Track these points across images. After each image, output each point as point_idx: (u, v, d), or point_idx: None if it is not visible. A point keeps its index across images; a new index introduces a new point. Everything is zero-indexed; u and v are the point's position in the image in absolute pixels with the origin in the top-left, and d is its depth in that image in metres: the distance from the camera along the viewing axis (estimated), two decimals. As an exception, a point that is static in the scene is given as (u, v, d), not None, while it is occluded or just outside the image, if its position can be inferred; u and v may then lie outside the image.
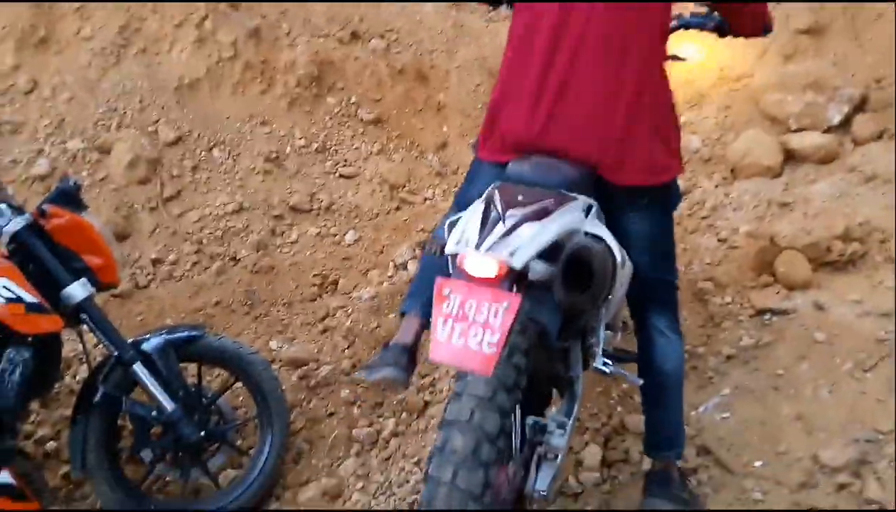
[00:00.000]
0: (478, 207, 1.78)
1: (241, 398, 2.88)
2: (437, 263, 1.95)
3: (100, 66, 4.09)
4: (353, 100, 4.49)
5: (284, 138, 4.24)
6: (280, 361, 3.08)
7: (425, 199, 4.25)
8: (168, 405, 2.42)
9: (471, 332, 1.59)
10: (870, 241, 3.30)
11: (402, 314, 2.20)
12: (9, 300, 2.21)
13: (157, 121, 4.02)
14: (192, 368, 2.65)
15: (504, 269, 1.63)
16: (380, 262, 3.77)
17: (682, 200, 3.80)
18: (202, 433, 2.50)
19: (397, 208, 4.20)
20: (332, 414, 2.94)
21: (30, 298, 2.25)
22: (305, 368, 3.07)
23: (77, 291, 2.37)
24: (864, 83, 4.20)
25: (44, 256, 2.35)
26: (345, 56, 4.58)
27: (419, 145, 4.53)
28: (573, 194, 1.89)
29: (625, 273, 1.99)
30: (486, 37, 4.96)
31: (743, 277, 3.33)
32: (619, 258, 1.86)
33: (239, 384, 2.72)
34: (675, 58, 2.38)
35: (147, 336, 2.54)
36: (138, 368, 2.41)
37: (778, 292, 3.20)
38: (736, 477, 2.46)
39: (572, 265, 1.68)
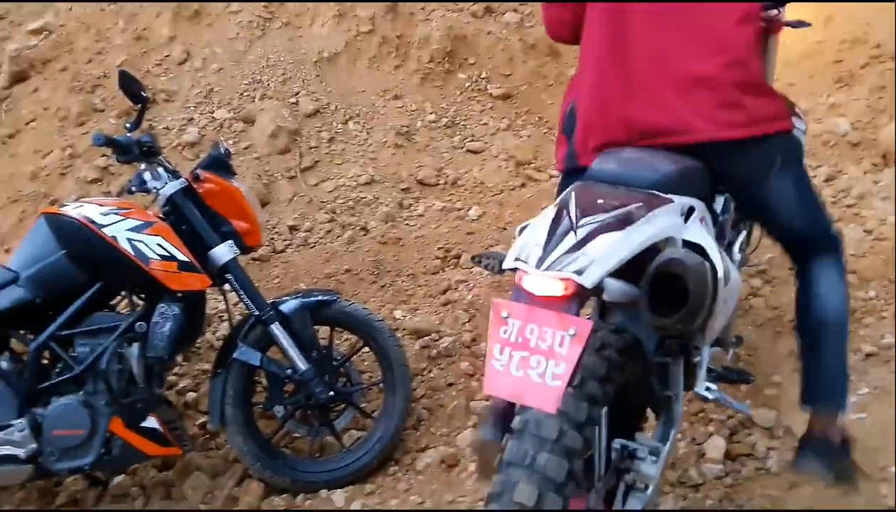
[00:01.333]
0: (548, 213, 1.52)
1: (365, 363, 2.99)
2: None
3: (246, 38, 4.31)
4: (483, 75, 4.51)
5: (415, 113, 4.32)
6: (404, 329, 3.17)
7: (550, 177, 4.22)
8: (302, 364, 2.56)
9: (532, 361, 1.36)
10: None
11: None
12: (163, 258, 2.39)
13: (298, 93, 4.20)
14: (323, 331, 2.77)
15: (571, 288, 1.38)
16: (502, 238, 3.78)
17: (828, 187, 3.62)
18: (331, 393, 2.62)
19: (522, 185, 4.19)
20: (451, 384, 3.00)
21: (182, 256, 2.42)
22: (427, 338, 3.15)
23: (224, 252, 2.53)
24: None
25: (195, 219, 2.52)
26: (478, 31, 4.60)
27: (547, 122, 4.49)
28: (669, 195, 1.63)
29: (731, 287, 1.71)
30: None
31: (889, 271, 3.12)
32: (721, 271, 1.58)
33: (366, 349, 2.83)
34: (798, 24, 2.22)
35: (285, 298, 2.67)
36: (276, 327, 2.55)
37: (930, 293, 2.99)
38: (871, 482, 2.33)
39: (662, 282, 1.45)
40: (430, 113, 4.35)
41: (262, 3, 4.38)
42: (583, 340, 1.35)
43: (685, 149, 1.80)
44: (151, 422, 2.43)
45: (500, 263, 1.53)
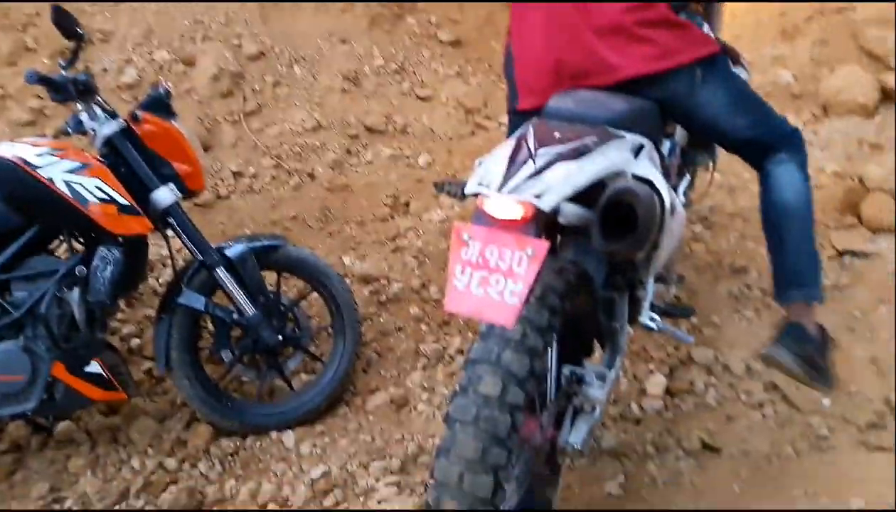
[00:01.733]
0: (508, 145, 1.60)
1: (314, 309, 2.98)
2: None
3: (186, -23, 4.15)
4: (433, 20, 4.45)
5: (363, 57, 4.25)
6: (353, 275, 3.17)
7: (500, 124, 4.22)
8: (249, 309, 2.53)
9: (491, 280, 1.43)
10: (967, 187, 3.14)
11: None
12: (102, 200, 2.32)
13: (241, 35, 4.08)
14: (270, 275, 2.75)
15: (530, 211, 1.45)
16: (452, 185, 3.78)
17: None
18: (280, 338, 2.61)
19: (472, 133, 4.19)
20: (400, 329, 3.02)
21: (122, 199, 2.35)
22: (376, 283, 3.15)
23: (165, 195, 2.47)
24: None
25: (134, 161, 2.44)
26: (427, -26, 4.52)
27: (497, 70, 4.47)
28: (621, 132, 1.73)
29: (676, 221, 1.84)
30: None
31: (826, 218, 3.23)
32: (668, 203, 1.68)
33: (314, 295, 2.81)
34: None
35: (230, 243, 2.63)
36: (221, 272, 2.51)
37: (861, 234, 3.10)
38: (803, 414, 2.45)
39: (613, 210, 1.53)
40: (379, 58, 4.28)
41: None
42: (539, 260, 1.42)
43: (615, 88, 1.92)
44: (94, 367, 2.38)
45: (462, 189, 1.59)
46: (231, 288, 2.52)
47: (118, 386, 2.43)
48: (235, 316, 2.56)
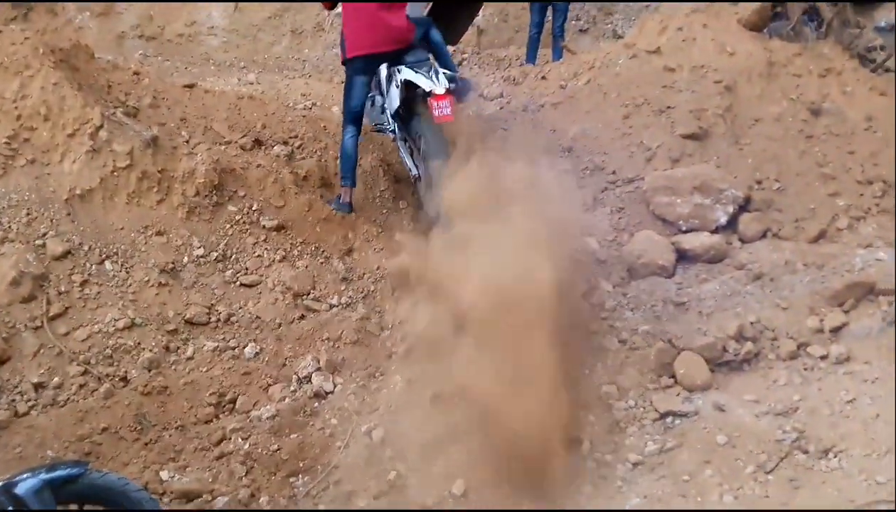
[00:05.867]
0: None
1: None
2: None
3: (-17, 178, 3.90)
4: (255, 207, 4.42)
5: (182, 248, 4.11)
6: (171, 493, 2.89)
7: (331, 307, 4.17)
8: (39, 559, 2.21)
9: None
10: (762, 340, 3.42)
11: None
12: None
13: (45, 234, 3.83)
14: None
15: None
16: (282, 375, 3.65)
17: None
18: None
19: (301, 317, 4.09)
20: (227, 551, 2.75)
21: None
22: (199, 500, 2.88)
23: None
24: (746, 184, 4.45)
25: None
26: (247, 163, 4.54)
27: (324, 251, 4.47)
28: None
29: None
30: (390, 145, 5.04)
31: (644, 380, 3.37)
32: None
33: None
34: None
35: (23, 476, 2.32)
36: (7, 517, 2.19)
37: (679, 394, 3.25)
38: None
39: None
40: (199, 247, 4.16)
41: (4, 140, 4.01)
42: None
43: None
44: None
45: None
46: (19, 535, 2.19)
47: None
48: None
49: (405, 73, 4.36)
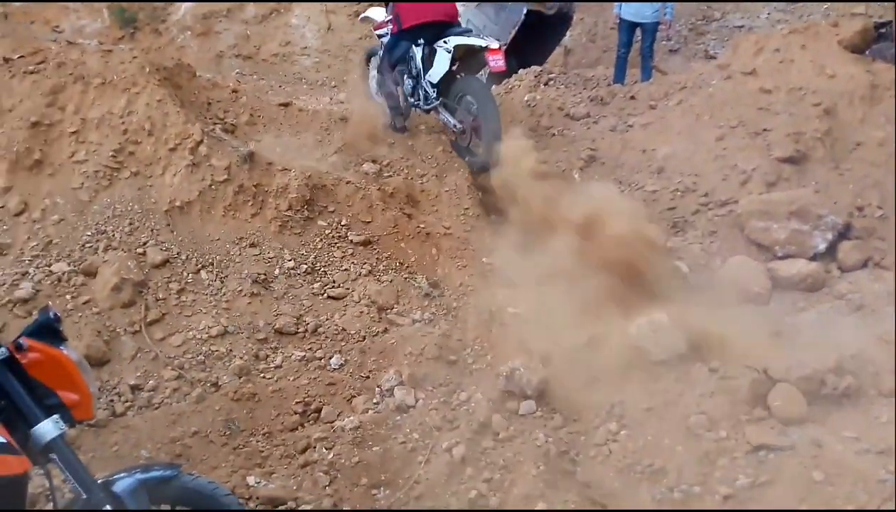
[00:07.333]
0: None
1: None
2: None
3: (91, 188, 4.13)
4: (343, 222, 4.52)
5: (273, 260, 4.23)
6: (257, 498, 2.95)
7: (414, 322, 4.20)
8: (135, 556, 2.29)
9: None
10: (862, 375, 3.25)
11: None
12: (-24, 438, 2.12)
13: (146, 243, 4.02)
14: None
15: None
16: (365, 387, 3.68)
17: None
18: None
19: (385, 330, 4.14)
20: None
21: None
22: (283, 507, 2.93)
23: (48, 428, 2.27)
24: (846, 210, 4.27)
25: (16, 394, 2.26)
26: (337, 179, 4.64)
27: (408, 267, 4.52)
28: None
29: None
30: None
31: (737, 410, 3.25)
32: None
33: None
34: None
35: (120, 475, 2.41)
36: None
37: (773, 427, 3.12)
38: None
39: None
40: (289, 260, 4.27)
41: (110, 153, 4.24)
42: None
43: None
44: None
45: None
46: (116, 531, 2.28)
47: None
48: (121, 563, 2.30)
49: (454, 41, 5.13)
